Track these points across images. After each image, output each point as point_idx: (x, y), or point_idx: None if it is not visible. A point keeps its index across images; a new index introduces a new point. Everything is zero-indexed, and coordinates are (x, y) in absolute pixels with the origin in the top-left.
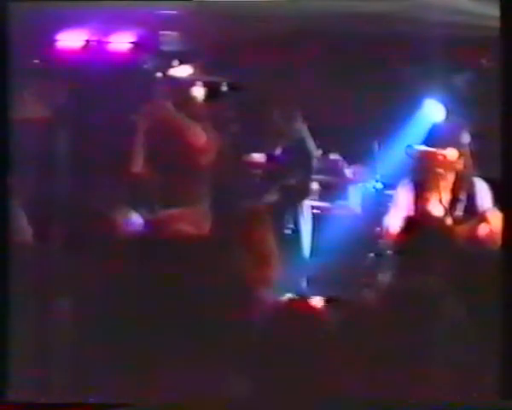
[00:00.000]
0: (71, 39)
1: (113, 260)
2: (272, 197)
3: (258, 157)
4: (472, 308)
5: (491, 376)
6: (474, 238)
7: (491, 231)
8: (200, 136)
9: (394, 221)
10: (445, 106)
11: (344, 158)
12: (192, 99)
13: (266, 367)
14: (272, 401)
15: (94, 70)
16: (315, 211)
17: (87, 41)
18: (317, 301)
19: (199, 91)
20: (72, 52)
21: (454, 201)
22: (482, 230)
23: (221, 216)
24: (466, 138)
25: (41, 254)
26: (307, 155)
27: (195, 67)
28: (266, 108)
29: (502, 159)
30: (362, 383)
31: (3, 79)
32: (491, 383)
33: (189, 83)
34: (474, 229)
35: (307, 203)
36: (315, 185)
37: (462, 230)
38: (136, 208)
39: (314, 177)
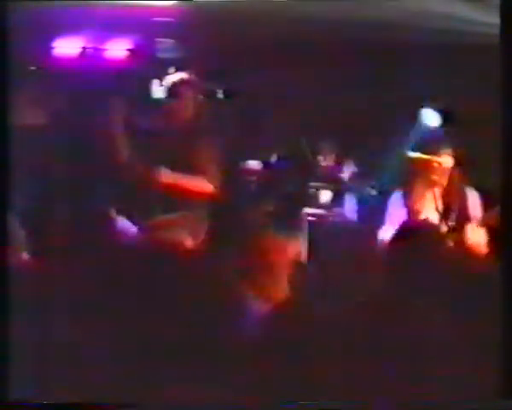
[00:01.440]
0: (68, 46)
1: (109, 264)
2: (268, 205)
3: (255, 165)
4: (471, 308)
5: (491, 376)
6: (464, 246)
7: (479, 239)
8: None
9: (390, 229)
10: (442, 113)
11: (340, 165)
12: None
13: (262, 375)
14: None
15: (90, 76)
16: (311, 218)
17: (84, 48)
18: (314, 308)
19: None
20: (69, 58)
21: (447, 209)
22: (472, 238)
23: (217, 223)
24: (461, 146)
25: (39, 256)
26: (303, 163)
27: (191, 74)
28: (262, 116)
29: (501, 167)
30: (359, 387)
31: (2, 83)
32: (492, 383)
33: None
34: (464, 237)
35: (303, 210)
36: (311, 193)
37: (454, 237)
38: (132, 214)
39: (310, 184)
